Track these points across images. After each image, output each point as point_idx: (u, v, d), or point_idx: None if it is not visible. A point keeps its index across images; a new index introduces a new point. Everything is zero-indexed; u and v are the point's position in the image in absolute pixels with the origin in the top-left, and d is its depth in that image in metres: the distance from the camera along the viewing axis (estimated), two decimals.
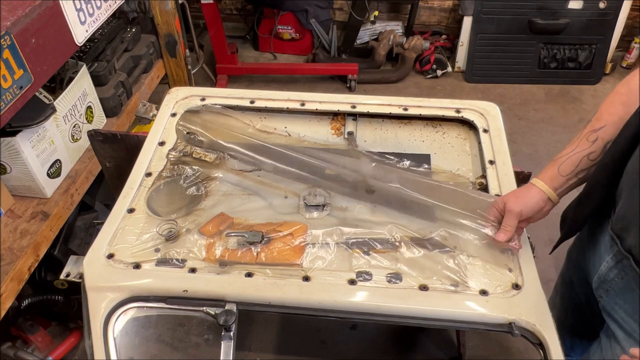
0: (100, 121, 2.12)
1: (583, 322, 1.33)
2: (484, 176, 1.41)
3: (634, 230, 1.01)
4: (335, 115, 1.63)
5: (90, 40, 2.07)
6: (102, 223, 1.29)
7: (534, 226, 1.21)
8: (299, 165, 1.39)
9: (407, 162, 1.44)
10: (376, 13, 3.88)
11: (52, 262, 1.92)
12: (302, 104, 1.61)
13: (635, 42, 3.81)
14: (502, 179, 1.38)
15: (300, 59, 4.07)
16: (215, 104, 1.61)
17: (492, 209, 1.20)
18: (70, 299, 1.99)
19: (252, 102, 1.63)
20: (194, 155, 1.47)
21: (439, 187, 1.29)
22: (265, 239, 1.22)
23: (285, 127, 1.61)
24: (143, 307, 1.14)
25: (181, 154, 1.47)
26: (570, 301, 1.39)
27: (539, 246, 1.28)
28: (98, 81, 2.12)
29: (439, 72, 3.82)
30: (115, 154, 1.71)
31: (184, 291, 1.13)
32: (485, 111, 1.58)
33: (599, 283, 1.15)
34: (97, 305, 1.12)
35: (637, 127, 0.98)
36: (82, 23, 1.79)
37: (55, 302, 1.95)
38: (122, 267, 1.18)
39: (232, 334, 1.09)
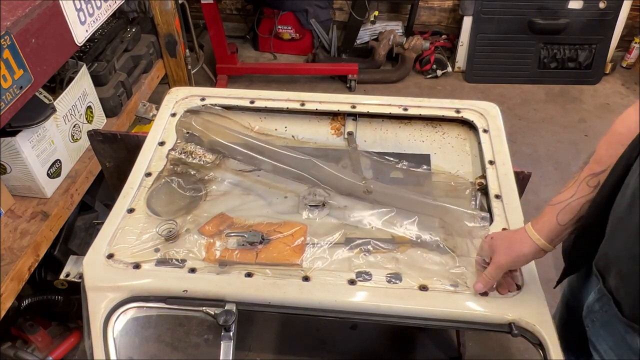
0: (100, 121, 2.12)
1: (578, 342, 1.33)
2: (483, 176, 1.41)
3: (614, 271, 0.98)
4: (335, 115, 1.63)
5: (90, 40, 2.07)
6: (102, 223, 1.29)
7: None
8: (298, 165, 1.39)
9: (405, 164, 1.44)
10: (376, 13, 3.88)
11: (52, 262, 1.92)
12: (302, 104, 1.61)
13: (635, 42, 3.81)
14: (502, 179, 1.38)
15: (300, 59, 4.07)
16: (215, 104, 1.61)
17: (482, 247, 1.14)
18: (70, 299, 1.99)
19: (252, 102, 1.63)
20: (193, 156, 1.47)
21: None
22: (265, 240, 1.22)
23: (286, 127, 1.61)
24: (143, 307, 1.14)
25: (181, 154, 1.47)
26: (567, 321, 1.38)
27: None
28: (98, 81, 2.12)
29: (439, 72, 3.81)
30: (115, 154, 1.71)
31: (183, 291, 1.13)
32: (485, 111, 1.58)
33: (587, 312, 1.13)
34: (97, 305, 1.12)
35: (623, 169, 0.94)
36: (82, 23, 1.79)
37: (55, 302, 1.95)
38: (122, 267, 1.18)
39: (231, 334, 1.09)
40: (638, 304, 0.93)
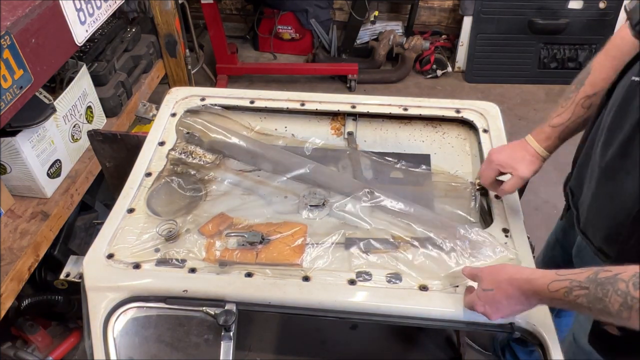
0: (100, 121, 2.12)
1: None
2: None
3: (584, 214, 1.09)
4: (335, 115, 1.63)
5: (90, 40, 2.07)
6: (102, 223, 1.29)
7: (534, 226, 1.21)
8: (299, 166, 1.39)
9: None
10: (376, 13, 3.87)
11: (52, 262, 1.92)
12: (302, 104, 1.61)
13: None
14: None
15: (300, 59, 4.07)
16: (215, 104, 1.61)
17: (485, 171, 1.26)
18: (70, 299, 1.99)
19: (252, 102, 1.63)
20: (193, 156, 1.47)
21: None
22: (265, 240, 1.22)
23: (286, 127, 1.61)
24: (143, 307, 1.14)
25: (181, 154, 1.47)
26: (550, 262, 1.43)
27: (538, 246, 1.28)
28: (98, 81, 2.12)
29: (439, 72, 3.81)
30: (115, 154, 1.71)
31: (183, 291, 1.13)
32: (485, 111, 1.58)
33: (576, 251, 1.19)
34: (97, 305, 1.12)
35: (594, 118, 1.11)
36: (82, 23, 1.79)
37: (55, 302, 1.95)
38: (122, 267, 1.18)
39: (231, 334, 1.09)
40: (590, 222, 1.09)
